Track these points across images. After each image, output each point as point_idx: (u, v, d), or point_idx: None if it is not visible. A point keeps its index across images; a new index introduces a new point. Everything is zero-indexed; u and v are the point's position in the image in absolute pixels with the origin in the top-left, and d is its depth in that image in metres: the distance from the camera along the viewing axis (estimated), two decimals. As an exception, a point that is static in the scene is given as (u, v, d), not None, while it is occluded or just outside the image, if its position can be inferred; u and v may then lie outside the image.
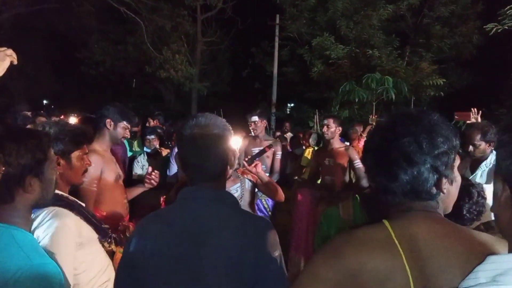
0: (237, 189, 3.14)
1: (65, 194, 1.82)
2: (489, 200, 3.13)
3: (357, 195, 4.12)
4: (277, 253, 1.22)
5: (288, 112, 15.91)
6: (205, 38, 16.06)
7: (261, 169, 2.98)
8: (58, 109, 19.06)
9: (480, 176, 3.08)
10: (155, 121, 6.71)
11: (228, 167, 1.33)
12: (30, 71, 15.42)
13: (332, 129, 4.16)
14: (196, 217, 1.24)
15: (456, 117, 4.67)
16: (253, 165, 2.97)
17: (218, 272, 1.17)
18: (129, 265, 1.28)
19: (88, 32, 16.02)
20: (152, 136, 5.08)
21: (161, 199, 4.68)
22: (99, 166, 2.55)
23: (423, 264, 0.90)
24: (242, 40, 15.90)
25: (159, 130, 5.28)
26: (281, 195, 3.10)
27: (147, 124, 6.59)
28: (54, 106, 21.07)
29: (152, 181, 2.86)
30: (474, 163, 3.12)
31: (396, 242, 0.93)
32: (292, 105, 16.32)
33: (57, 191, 1.74)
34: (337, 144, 4.22)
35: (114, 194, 2.71)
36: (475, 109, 4.28)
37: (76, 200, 1.84)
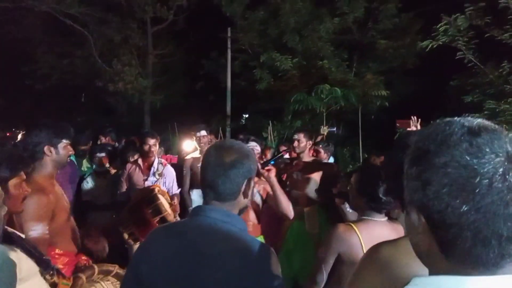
0: None
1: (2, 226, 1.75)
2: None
3: (321, 208, 4.20)
4: (277, 282, 1.25)
5: (243, 123, 15.97)
6: (157, 51, 15.87)
7: (273, 175, 2.87)
8: (3, 126, 18.17)
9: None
10: (107, 138, 6.51)
11: (242, 196, 1.38)
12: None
13: (303, 143, 4.24)
14: (203, 236, 1.30)
15: (397, 125, 4.92)
16: (266, 168, 2.86)
17: None
18: (135, 275, 1.34)
19: (33, 45, 15.39)
20: (102, 154, 4.96)
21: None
22: (50, 209, 2.26)
23: None
24: (195, 52, 15.84)
25: (109, 148, 5.15)
26: (291, 212, 2.98)
27: (98, 142, 6.39)
28: (0, 123, 20.05)
29: None
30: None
31: None
32: (247, 116, 16.42)
33: None
34: (307, 158, 4.31)
35: (68, 231, 2.52)
36: (415, 117, 4.51)
37: (15, 231, 1.78)
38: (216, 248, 1.27)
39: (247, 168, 1.37)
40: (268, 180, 2.88)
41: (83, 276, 1.89)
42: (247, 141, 3.36)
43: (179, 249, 1.30)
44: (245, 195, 1.40)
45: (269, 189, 3.00)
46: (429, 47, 7.84)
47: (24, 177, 1.92)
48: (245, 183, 1.38)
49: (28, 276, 1.66)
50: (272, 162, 3.02)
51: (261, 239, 3.25)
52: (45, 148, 2.38)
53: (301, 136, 4.27)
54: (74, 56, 15.30)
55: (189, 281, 1.25)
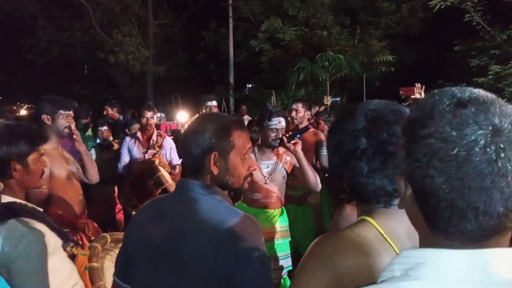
0: (269, 165, 3.09)
1: (24, 202, 1.74)
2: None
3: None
4: (257, 254, 1.24)
5: (246, 93, 15.84)
6: (157, 21, 15.62)
7: (300, 149, 2.87)
8: (6, 101, 18.18)
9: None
10: (113, 110, 6.52)
11: (210, 171, 1.34)
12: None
13: (301, 113, 4.12)
14: (184, 208, 1.32)
15: (401, 92, 4.82)
16: (292, 142, 2.86)
17: (196, 264, 1.24)
18: (125, 250, 1.40)
19: (32, 19, 15.19)
20: (105, 127, 4.98)
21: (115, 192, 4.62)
22: (47, 165, 2.44)
23: None
24: (196, 22, 15.57)
25: (109, 120, 5.16)
26: (318, 184, 2.99)
27: (104, 113, 6.42)
28: (3, 97, 20.07)
29: (71, 126, 2.78)
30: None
31: (389, 240, 0.98)
32: (250, 86, 16.25)
33: (15, 199, 1.70)
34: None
35: (68, 192, 2.68)
36: (419, 84, 4.39)
37: (35, 206, 1.77)
38: (193, 220, 1.28)
39: (205, 143, 1.32)
40: (294, 154, 2.88)
41: (99, 245, 1.94)
42: (269, 117, 3.06)
43: (159, 225, 1.32)
44: (213, 171, 1.34)
45: (295, 161, 2.99)
46: (437, 7, 7.61)
47: (42, 151, 1.92)
48: (209, 158, 1.33)
49: (55, 250, 1.70)
50: (298, 136, 3.01)
51: (280, 211, 3.28)
52: (43, 117, 2.69)
53: (299, 106, 4.16)
54: (74, 29, 15.12)
55: (169, 255, 1.28)
